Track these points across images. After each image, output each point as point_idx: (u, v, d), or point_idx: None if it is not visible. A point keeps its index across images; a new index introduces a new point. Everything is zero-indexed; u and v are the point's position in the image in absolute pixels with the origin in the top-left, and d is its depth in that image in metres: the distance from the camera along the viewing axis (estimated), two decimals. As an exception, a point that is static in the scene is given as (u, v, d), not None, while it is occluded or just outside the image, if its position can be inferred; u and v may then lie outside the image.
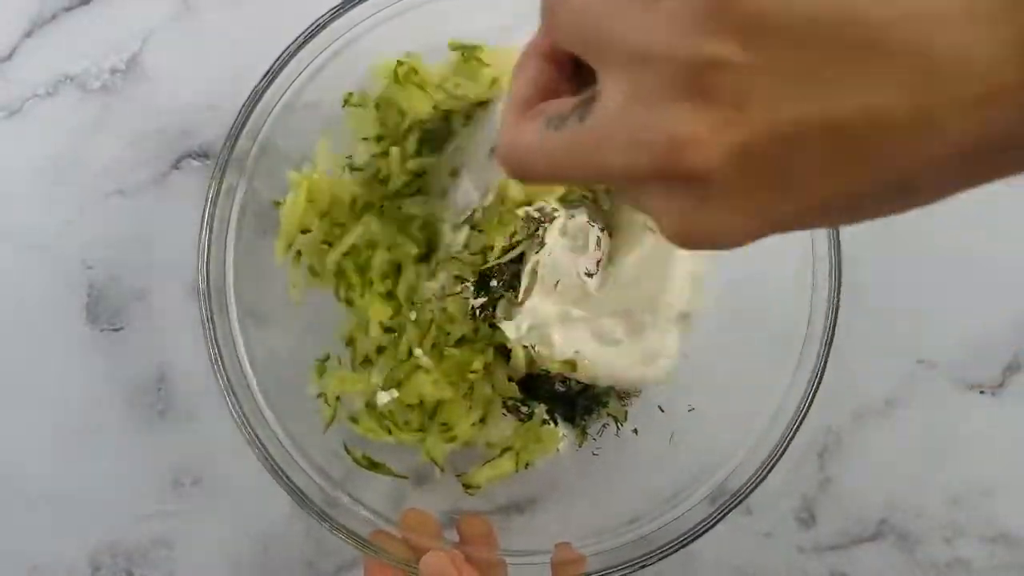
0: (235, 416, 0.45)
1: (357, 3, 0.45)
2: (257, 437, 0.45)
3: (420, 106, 0.49)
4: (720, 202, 0.25)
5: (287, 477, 0.45)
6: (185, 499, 0.54)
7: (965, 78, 0.23)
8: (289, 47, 0.45)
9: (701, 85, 0.24)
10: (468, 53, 0.49)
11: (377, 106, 0.50)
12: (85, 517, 0.54)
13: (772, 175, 0.25)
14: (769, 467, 0.46)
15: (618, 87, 0.26)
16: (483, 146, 0.48)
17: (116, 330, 0.54)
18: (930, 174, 0.24)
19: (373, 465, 0.50)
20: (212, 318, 0.45)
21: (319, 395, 0.49)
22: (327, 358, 0.50)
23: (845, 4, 0.23)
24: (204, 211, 0.45)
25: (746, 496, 0.46)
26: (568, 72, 0.30)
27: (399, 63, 0.49)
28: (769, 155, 0.24)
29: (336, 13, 0.45)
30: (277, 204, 0.48)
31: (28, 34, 0.54)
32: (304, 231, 0.49)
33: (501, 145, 0.30)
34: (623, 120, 0.25)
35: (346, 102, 0.50)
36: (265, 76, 0.45)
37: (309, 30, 0.45)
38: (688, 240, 0.27)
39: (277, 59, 0.45)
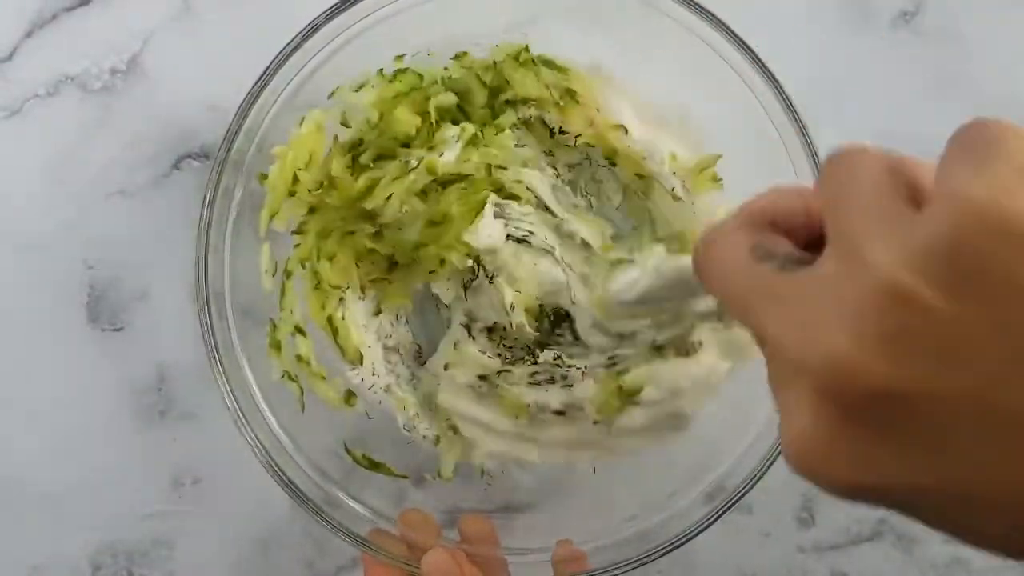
0: (234, 416, 0.45)
1: (353, 3, 0.45)
2: (256, 437, 0.45)
3: (530, 88, 0.49)
4: (846, 435, 0.24)
5: (285, 476, 0.46)
6: (185, 499, 0.54)
7: None
8: (285, 47, 0.45)
9: (891, 318, 0.22)
10: (560, 77, 0.49)
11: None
12: (85, 517, 0.54)
13: (922, 436, 0.23)
14: (767, 466, 0.46)
15: (831, 269, 0.24)
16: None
17: (116, 330, 0.54)
18: None
19: (373, 465, 0.50)
20: (210, 319, 0.45)
21: (282, 375, 0.48)
22: (273, 327, 0.49)
23: None
24: (202, 212, 0.45)
25: (744, 494, 0.46)
26: (805, 234, 0.29)
27: (525, 48, 0.49)
28: (920, 414, 0.23)
29: (332, 14, 0.45)
30: (263, 177, 0.47)
31: (28, 34, 0.54)
32: (291, 193, 0.48)
33: (709, 231, 0.29)
34: (811, 300, 0.24)
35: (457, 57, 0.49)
36: (262, 76, 0.45)
37: (305, 31, 0.45)
38: (795, 452, 0.25)
39: (273, 59, 0.45)
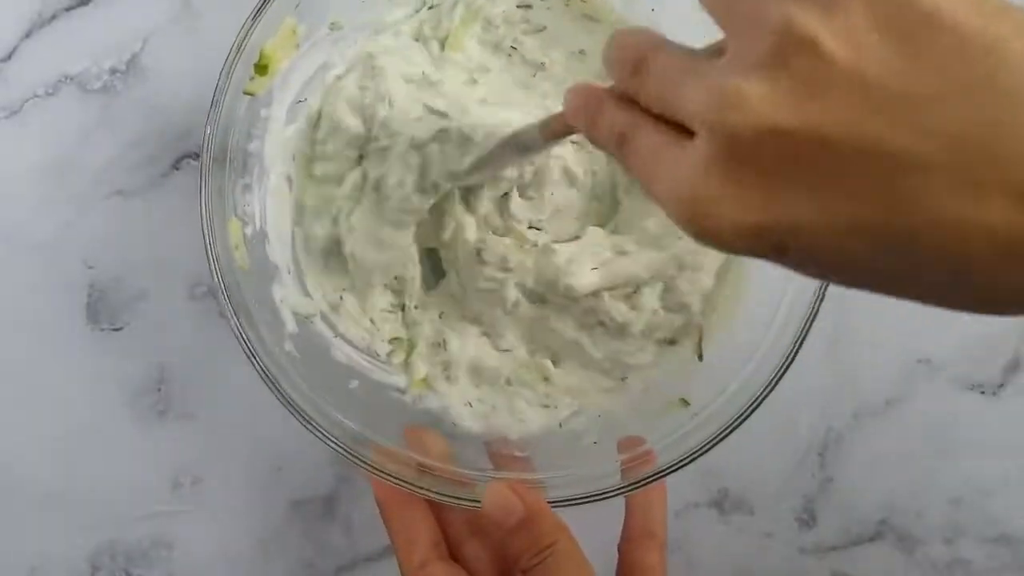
0: (275, 396, 0.44)
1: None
2: (263, 364, 0.44)
3: None
4: (736, 176, 0.25)
5: (287, 396, 0.44)
6: (185, 499, 0.54)
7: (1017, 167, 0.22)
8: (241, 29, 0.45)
9: (785, 58, 0.24)
10: None
11: None
12: (85, 517, 0.54)
13: (800, 172, 0.24)
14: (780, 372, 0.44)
15: (731, 47, 0.26)
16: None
17: (116, 330, 0.54)
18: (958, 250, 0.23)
19: None
20: (235, 312, 0.44)
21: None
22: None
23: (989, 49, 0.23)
24: (201, 211, 0.45)
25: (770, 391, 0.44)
26: None
27: None
28: (804, 154, 0.24)
29: None
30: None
31: (28, 34, 0.54)
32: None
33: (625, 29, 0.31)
34: (720, 68, 0.26)
35: None
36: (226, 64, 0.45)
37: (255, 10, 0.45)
38: (684, 202, 0.26)
39: (233, 43, 0.45)
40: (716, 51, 0.28)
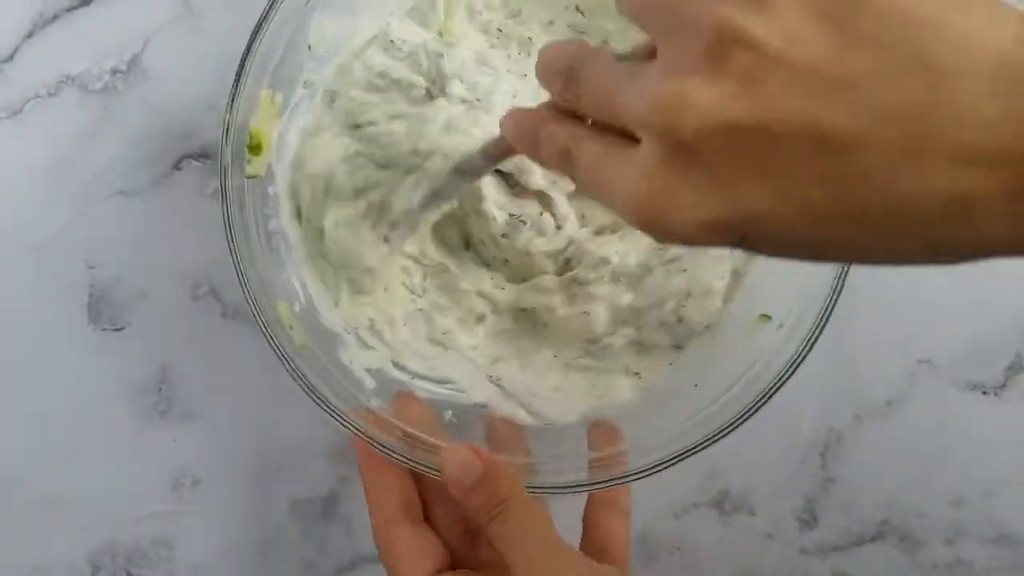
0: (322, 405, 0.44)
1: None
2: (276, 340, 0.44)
3: None
4: (688, 175, 0.26)
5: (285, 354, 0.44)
6: (185, 499, 0.54)
7: (959, 129, 0.23)
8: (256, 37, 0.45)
9: (722, 55, 0.25)
10: None
11: None
12: (85, 517, 0.54)
13: (749, 164, 0.25)
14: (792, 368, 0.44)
15: (662, 51, 0.27)
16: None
17: (117, 330, 0.54)
18: (905, 224, 0.24)
19: None
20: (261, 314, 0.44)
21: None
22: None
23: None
24: (252, 307, 0.44)
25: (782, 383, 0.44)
26: None
27: None
28: (758, 142, 0.25)
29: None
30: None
31: (29, 35, 0.54)
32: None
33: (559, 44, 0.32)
34: (655, 72, 0.27)
35: None
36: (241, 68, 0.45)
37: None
38: (641, 207, 0.27)
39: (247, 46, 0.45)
40: (643, 54, 0.29)
